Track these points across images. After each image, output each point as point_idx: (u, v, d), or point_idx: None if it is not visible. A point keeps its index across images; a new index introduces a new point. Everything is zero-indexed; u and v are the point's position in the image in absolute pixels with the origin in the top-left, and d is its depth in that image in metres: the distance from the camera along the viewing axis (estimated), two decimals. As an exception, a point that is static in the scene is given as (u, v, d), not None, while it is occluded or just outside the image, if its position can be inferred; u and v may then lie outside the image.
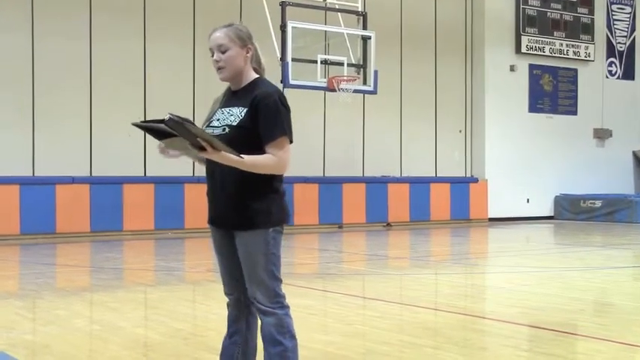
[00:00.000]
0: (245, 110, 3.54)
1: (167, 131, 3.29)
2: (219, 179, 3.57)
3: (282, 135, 3.50)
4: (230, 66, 3.60)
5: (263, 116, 3.50)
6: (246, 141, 3.48)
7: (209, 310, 6.88)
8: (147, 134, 3.51)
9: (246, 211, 3.53)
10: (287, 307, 3.63)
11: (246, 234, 3.56)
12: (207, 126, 3.64)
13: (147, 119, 3.43)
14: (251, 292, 3.62)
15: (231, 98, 3.67)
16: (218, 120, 3.62)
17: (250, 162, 3.43)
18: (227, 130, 3.54)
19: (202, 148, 3.33)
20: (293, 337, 3.62)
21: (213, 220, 3.72)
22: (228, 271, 3.74)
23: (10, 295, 7.87)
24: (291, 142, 3.56)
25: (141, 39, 16.11)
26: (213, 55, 3.62)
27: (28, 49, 14.96)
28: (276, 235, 3.59)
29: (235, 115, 3.56)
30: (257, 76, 3.67)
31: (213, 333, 5.63)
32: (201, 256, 12.01)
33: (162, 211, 15.67)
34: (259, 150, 3.49)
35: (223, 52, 3.59)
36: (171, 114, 3.19)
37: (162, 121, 3.23)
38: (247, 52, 3.63)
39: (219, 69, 3.61)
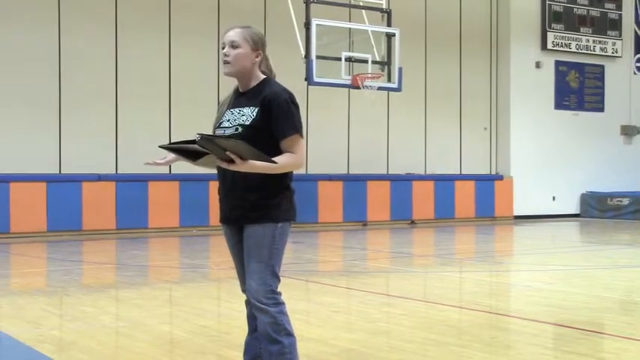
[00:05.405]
0: (256, 110, 3.63)
1: (200, 151, 3.36)
2: (231, 177, 3.64)
3: (295, 133, 3.61)
4: (236, 63, 3.69)
5: (275, 115, 3.60)
6: (259, 140, 3.56)
7: (234, 307, 6.89)
8: (179, 154, 3.61)
9: (259, 206, 3.62)
10: (281, 303, 3.66)
11: (254, 227, 3.63)
12: (218, 127, 3.74)
13: (173, 141, 3.53)
14: (248, 285, 3.67)
15: (239, 99, 3.76)
16: (229, 120, 3.71)
17: (275, 166, 3.50)
18: (240, 129, 3.62)
19: (231, 161, 3.40)
20: (289, 334, 3.66)
21: (226, 219, 3.79)
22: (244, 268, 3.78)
23: (37, 292, 7.96)
24: (302, 137, 3.66)
25: (166, 37, 16.19)
26: (224, 49, 3.72)
27: (55, 48, 15.09)
28: (283, 230, 3.67)
29: (247, 115, 3.65)
30: (265, 77, 3.76)
31: (237, 330, 5.65)
32: (226, 254, 11.98)
33: (188, 209, 15.75)
34: (272, 148, 3.57)
35: (234, 49, 3.69)
36: (200, 133, 3.26)
37: (192, 142, 3.29)
38: (257, 57, 3.73)
39: (225, 63, 3.71)
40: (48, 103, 15.06)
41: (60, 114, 15.20)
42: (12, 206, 14.29)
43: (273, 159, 3.48)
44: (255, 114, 3.62)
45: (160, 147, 3.59)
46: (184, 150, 3.47)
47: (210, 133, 3.59)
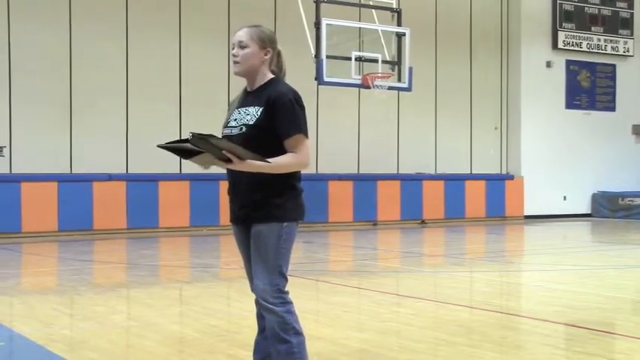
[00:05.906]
0: (261, 109, 3.64)
1: (193, 149, 3.40)
2: (238, 177, 3.66)
3: (298, 133, 3.61)
4: (244, 62, 3.72)
5: (279, 115, 3.61)
6: (263, 139, 3.59)
7: (244, 307, 6.90)
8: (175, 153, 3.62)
9: (263, 205, 3.63)
10: (289, 303, 3.67)
11: (260, 227, 3.64)
12: (226, 126, 3.76)
13: (170, 141, 3.55)
14: (255, 285, 3.69)
15: (246, 98, 3.79)
16: (235, 120, 3.73)
17: (274, 165, 3.51)
18: (244, 129, 3.65)
19: (228, 160, 3.43)
20: (298, 333, 3.66)
21: (234, 218, 3.81)
22: None
23: (48, 291, 7.99)
24: (306, 137, 3.67)
25: (176, 37, 16.23)
26: (234, 50, 3.76)
27: (66, 49, 15.15)
28: (289, 230, 3.67)
29: (252, 114, 3.67)
30: (272, 76, 3.77)
31: (247, 330, 5.65)
32: (236, 253, 12.00)
33: (198, 208, 15.78)
34: (276, 148, 3.59)
35: (242, 49, 3.72)
36: (193, 132, 3.30)
37: (186, 141, 3.33)
38: (265, 55, 3.75)
39: (234, 63, 3.75)
40: (59, 103, 15.12)
41: (71, 114, 15.25)
42: (23, 206, 14.35)
43: (270, 159, 3.49)
44: (259, 113, 3.63)
45: (157, 146, 3.62)
46: (181, 149, 3.49)
47: (214, 133, 3.61)
